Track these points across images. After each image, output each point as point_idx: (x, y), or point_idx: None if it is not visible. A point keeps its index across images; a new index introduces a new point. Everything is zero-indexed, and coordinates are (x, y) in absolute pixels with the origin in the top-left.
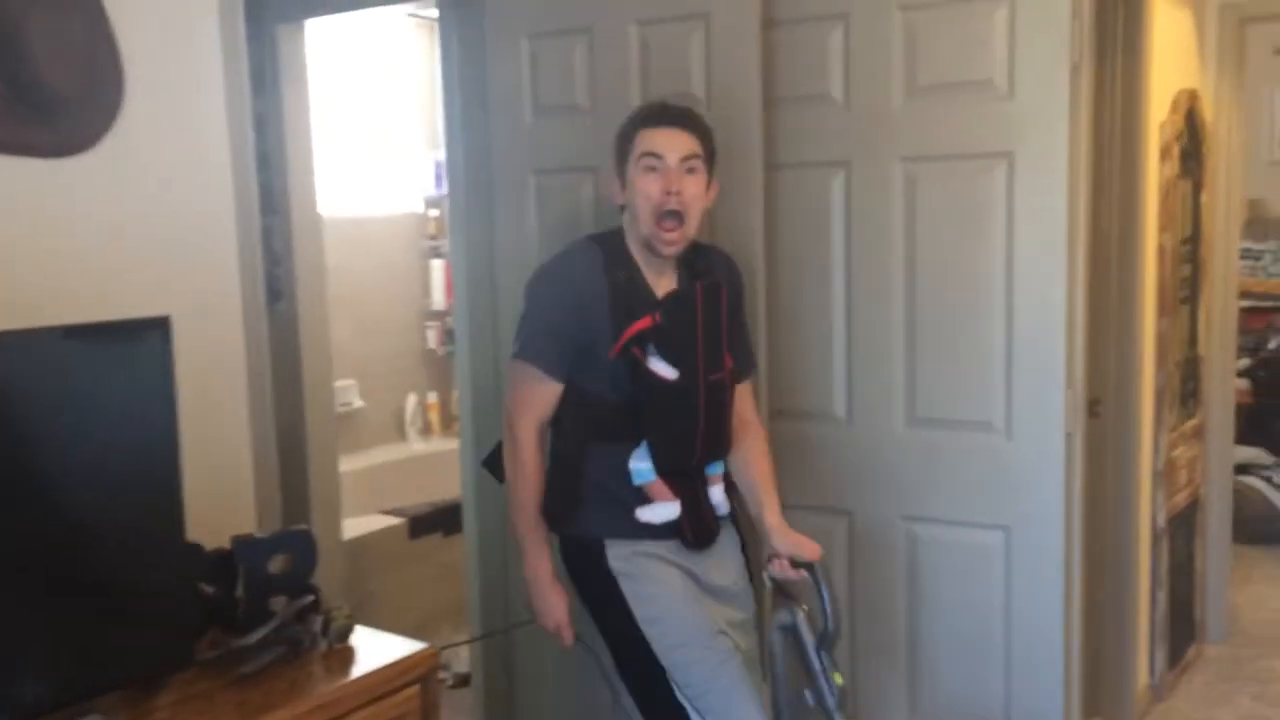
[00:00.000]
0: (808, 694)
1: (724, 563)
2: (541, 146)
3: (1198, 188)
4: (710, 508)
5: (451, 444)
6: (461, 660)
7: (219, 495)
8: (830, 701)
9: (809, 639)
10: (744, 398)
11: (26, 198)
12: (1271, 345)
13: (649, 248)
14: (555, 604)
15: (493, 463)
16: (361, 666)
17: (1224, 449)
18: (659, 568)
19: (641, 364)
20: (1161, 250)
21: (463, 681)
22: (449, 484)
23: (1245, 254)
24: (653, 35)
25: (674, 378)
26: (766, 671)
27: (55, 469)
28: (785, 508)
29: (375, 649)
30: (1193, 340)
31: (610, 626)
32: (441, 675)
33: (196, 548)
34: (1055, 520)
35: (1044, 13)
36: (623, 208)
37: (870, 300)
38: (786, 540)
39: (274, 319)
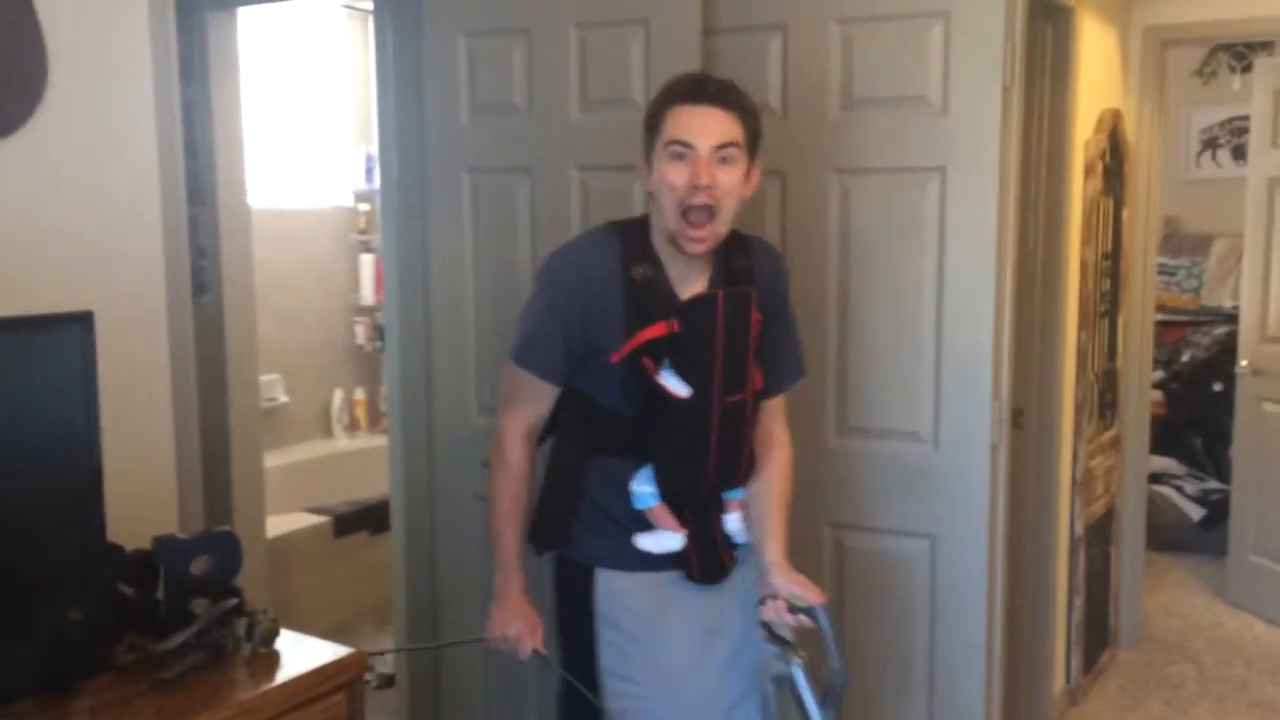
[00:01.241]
0: None
1: (740, 602)
2: (477, 145)
3: (1119, 204)
4: (724, 538)
5: (379, 441)
6: (386, 662)
7: (140, 494)
8: None
9: (809, 693)
10: (775, 414)
11: None
12: (1184, 359)
13: (674, 244)
14: (516, 624)
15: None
16: (286, 671)
17: (1140, 459)
18: (665, 631)
19: (650, 377)
20: (1084, 265)
21: (388, 682)
22: (376, 481)
23: (1161, 269)
24: (592, 38)
25: (686, 396)
26: None
27: None
28: None
29: (301, 653)
30: (1111, 353)
31: (573, 661)
32: (366, 677)
33: (117, 548)
34: (979, 529)
35: (978, 31)
36: (650, 194)
37: (802, 308)
38: (785, 580)
39: (199, 312)
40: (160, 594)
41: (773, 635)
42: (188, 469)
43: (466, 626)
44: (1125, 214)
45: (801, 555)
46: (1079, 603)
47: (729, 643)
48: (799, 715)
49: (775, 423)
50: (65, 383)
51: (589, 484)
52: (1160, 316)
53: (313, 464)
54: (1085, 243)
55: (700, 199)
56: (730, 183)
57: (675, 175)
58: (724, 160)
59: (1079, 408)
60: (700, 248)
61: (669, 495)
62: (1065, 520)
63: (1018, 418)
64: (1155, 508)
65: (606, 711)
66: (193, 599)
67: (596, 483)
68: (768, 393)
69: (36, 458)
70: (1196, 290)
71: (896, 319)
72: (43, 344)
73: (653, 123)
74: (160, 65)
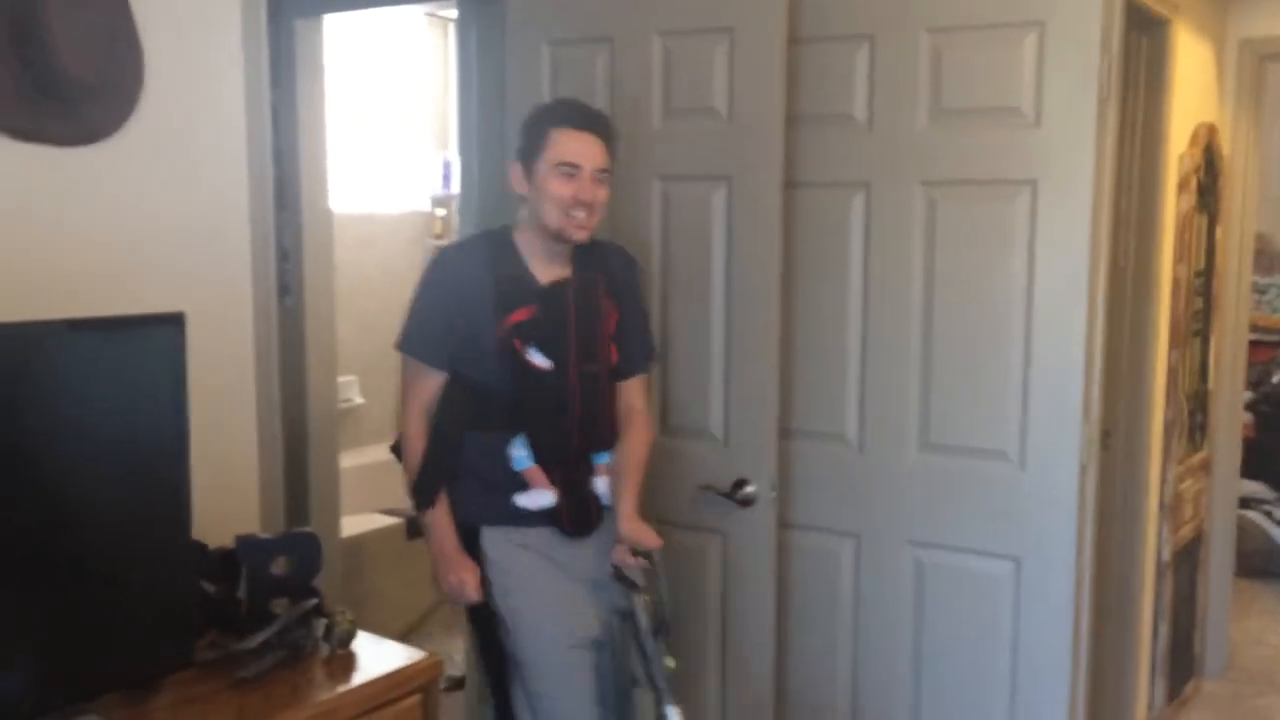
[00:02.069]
0: (639, 673)
1: (604, 551)
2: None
3: (1213, 221)
4: (593, 497)
5: None
6: (455, 664)
7: (223, 493)
8: (660, 683)
9: (644, 624)
10: (634, 390)
11: (42, 186)
12: (1275, 379)
13: (558, 237)
14: (460, 573)
15: (399, 450)
16: (363, 674)
17: (1229, 483)
18: (533, 563)
19: (520, 354)
20: (1176, 283)
21: (456, 685)
22: None
23: (1251, 288)
24: (676, 46)
25: (548, 367)
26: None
27: (60, 463)
28: (792, 527)
29: (377, 656)
30: (1203, 373)
31: (474, 609)
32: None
33: (200, 546)
34: (1066, 552)
35: (1073, 41)
36: (523, 198)
37: (886, 323)
38: (630, 528)
39: (281, 314)
40: (241, 593)
41: (620, 576)
42: (269, 468)
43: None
44: (1219, 231)
45: (879, 571)
46: (1164, 630)
47: (592, 583)
48: (636, 642)
49: (636, 398)
50: (156, 382)
51: (472, 454)
52: (1251, 336)
53: (387, 466)
54: (1178, 260)
55: (582, 211)
56: (604, 197)
57: (563, 190)
58: (599, 180)
59: (1168, 429)
60: (584, 235)
61: (541, 458)
62: (1152, 544)
63: (1106, 438)
64: (1244, 533)
65: (513, 651)
66: (273, 599)
67: (479, 453)
68: (623, 371)
69: (126, 455)
70: None
71: (983, 335)
72: (135, 344)
73: (535, 140)
74: (252, 72)
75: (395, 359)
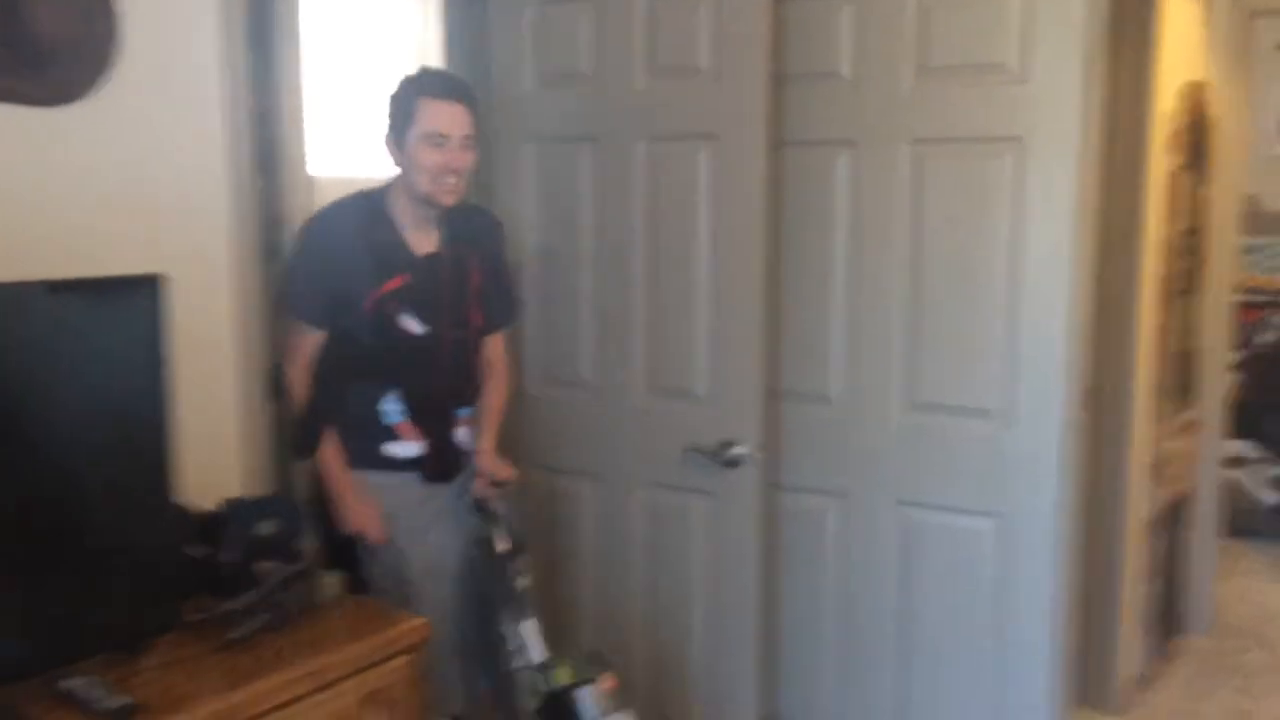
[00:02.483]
0: (499, 593)
1: (462, 492)
2: (542, 114)
3: (1200, 180)
4: (454, 446)
5: None
6: None
7: (206, 456)
8: (518, 599)
9: (501, 547)
10: (496, 344)
11: (15, 147)
12: (1264, 340)
13: (428, 202)
14: (362, 511)
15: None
16: (351, 635)
17: (1215, 443)
18: (393, 503)
19: (393, 319)
20: (1163, 242)
21: None
22: None
23: (1240, 248)
24: (661, 4)
25: (422, 333)
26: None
27: (41, 426)
28: (780, 487)
29: (365, 618)
30: (1189, 333)
31: (336, 542)
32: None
33: (184, 509)
34: (1050, 510)
35: None
36: (399, 165)
37: (873, 282)
38: (489, 463)
39: (268, 279)
40: (226, 555)
41: (480, 507)
42: (252, 432)
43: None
44: (1206, 190)
45: (866, 530)
46: (1150, 588)
47: (452, 518)
48: (495, 570)
49: (497, 351)
50: (134, 344)
51: (349, 405)
52: (1239, 297)
53: None
54: (1165, 219)
55: (452, 177)
56: (470, 162)
57: (432, 159)
58: (466, 147)
59: (1155, 388)
60: (454, 199)
61: (411, 412)
62: (1137, 503)
63: (1092, 397)
64: (1231, 493)
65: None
66: (259, 561)
67: (354, 404)
68: (486, 329)
69: (106, 418)
70: (1277, 270)
71: (969, 293)
72: (112, 306)
73: (404, 111)
74: (229, 32)
75: None
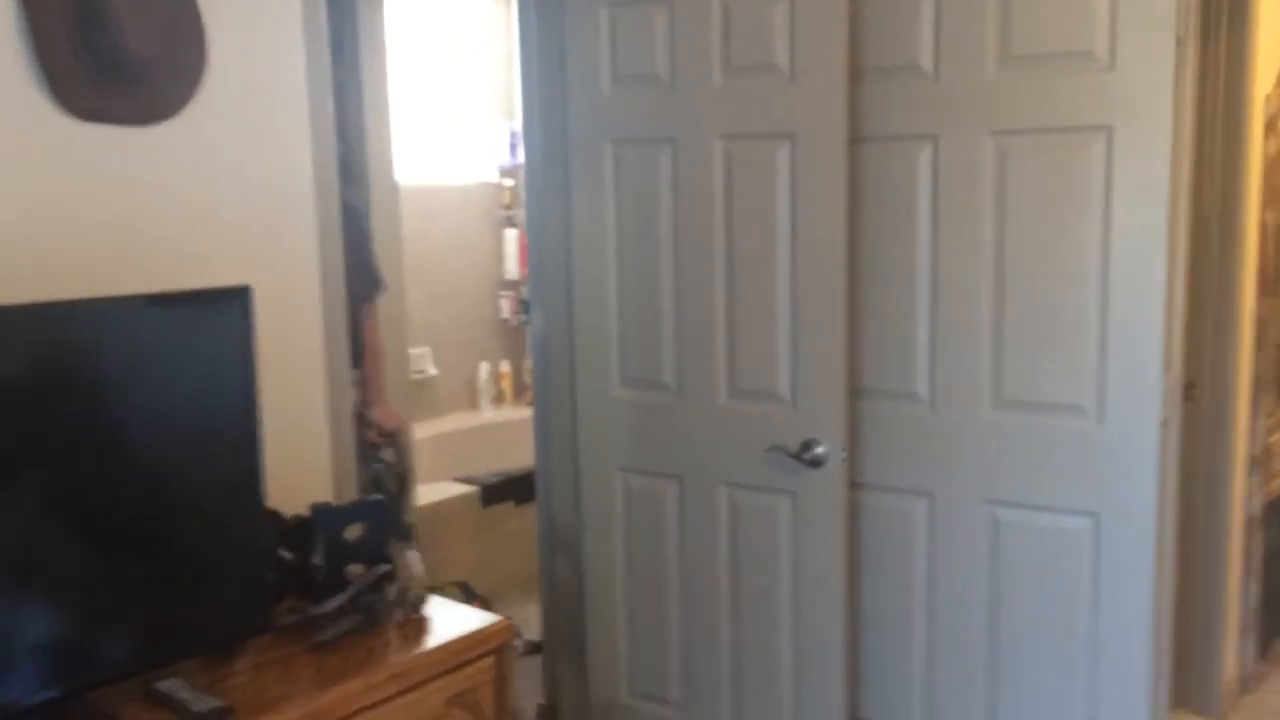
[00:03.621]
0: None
1: None
2: (619, 116)
3: None
4: None
5: (524, 413)
6: (532, 628)
7: (297, 463)
8: (404, 532)
9: (390, 488)
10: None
11: (110, 166)
12: None
13: None
14: None
15: None
16: (436, 637)
17: None
18: None
19: None
20: (1264, 228)
21: (534, 649)
22: (521, 453)
23: None
24: (735, 3)
25: None
26: None
27: (138, 435)
28: (864, 486)
29: (450, 620)
30: None
31: None
32: (514, 643)
33: (275, 515)
34: (1147, 508)
35: None
36: None
37: (956, 277)
38: (377, 412)
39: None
40: (317, 559)
41: (369, 449)
42: (341, 439)
43: (610, 596)
44: None
45: (954, 530)
46: (1255, 587)
47: None
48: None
49: None
50: (225, 355)
51: None
52: None
53: (460, 435)
54: (1265, 205)
55: None
56: None
57: None
58: None
59: (1257, 381)
60: None
61: None
62: (1240, 499)
63: (1190, 391)
64: None
65: None
66: (348, 565)
67: None
68: None
69: (198, 427)
70: None
71: (1058, 287)
72: (203, 318)
73: None
74: (313, 48)
75: (469, 330)
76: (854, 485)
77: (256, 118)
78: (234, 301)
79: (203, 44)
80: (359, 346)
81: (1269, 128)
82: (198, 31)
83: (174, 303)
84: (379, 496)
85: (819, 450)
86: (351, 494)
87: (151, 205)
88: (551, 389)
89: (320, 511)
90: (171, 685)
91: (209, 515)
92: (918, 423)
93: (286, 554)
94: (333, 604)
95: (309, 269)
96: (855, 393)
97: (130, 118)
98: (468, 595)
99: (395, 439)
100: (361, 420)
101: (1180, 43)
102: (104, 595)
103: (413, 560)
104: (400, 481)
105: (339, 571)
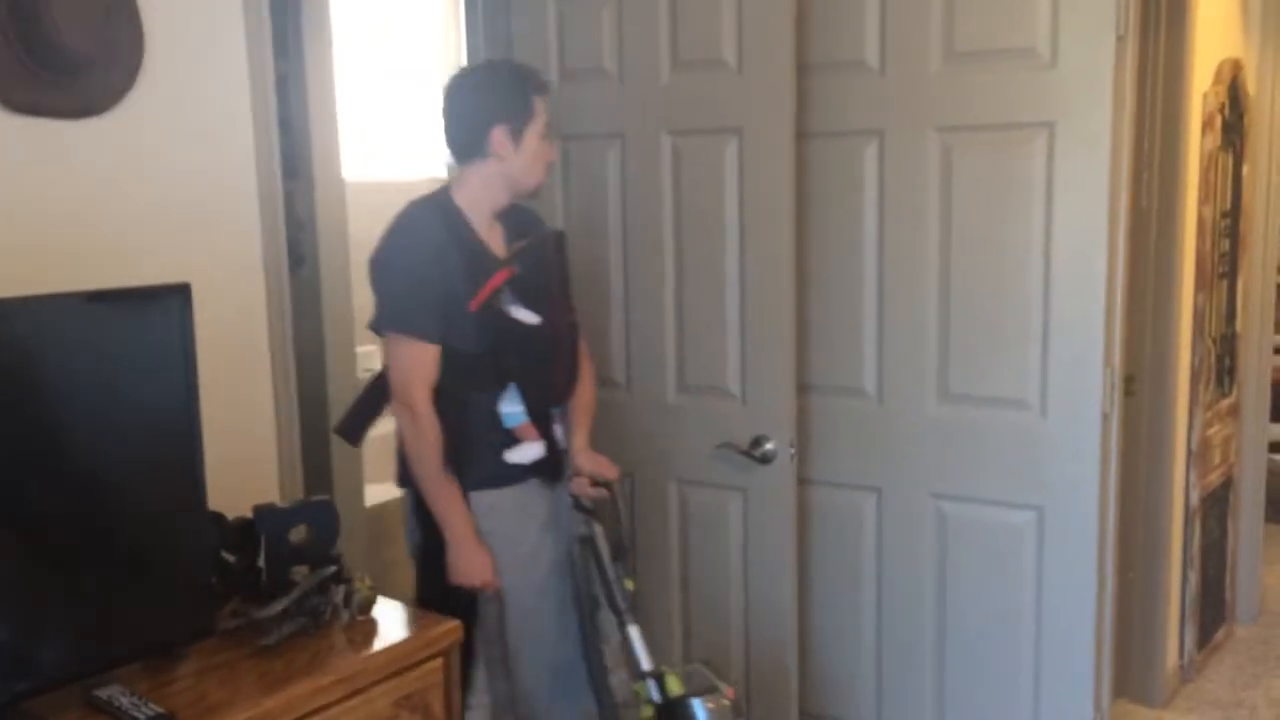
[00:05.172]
0: (601, 596)
1: (563, 491)
2: (567, 111)
3: (1239, 160)
4: (558, 444)
5: None
6: None
7: (241, 464)
8: (621, 604)
9: (605, 549)
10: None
11: (45, 160)
12: None
13: (534, 194)
14: (481, 562)
15: (349, 429)
16: (383, 639)
17: (1259, 427)
18: (512, 520)
19: (504, 314)
20: (1201, 224)
21: None
22: None
23: None
24: None
25: (537, 322)
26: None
27: (75, 436)
28: (813, 482)
29: (398, 621)
30: (1230, 316)
31: (437, 579)
32: None
33: (218, 517)
34: (1089, 500)
35: None
36: (498, 160)
37: (903, 273)
38: (589, 461)
39: (296, 284)
40: (261, 562)
41: (580, 505)
42: (287, 439)
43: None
44: (1245, 170)
45: (902, 525)
46: (1194, 576)
47: (557, 528)
48: (597, 568)
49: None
50: (165, 354)
51: (468, 419)
52: None
53: None
54: (1203, 201)
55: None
56: None
57: (551, 151)
58: None
59: (1195, 374)
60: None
61: (530, 411)
62: (1180, 491)
63: (1130, 384)
64: (1276, 477)
65: (481, 614)
66: (293, 567)
67: (472, 416)
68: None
69: (138, 427)
70: None
71: (1001, 282)
72: (142, 316)
73: (523, 106)
74: (253, 38)
75: None
76: (803, 481)
77: (196, 111)
78: (174, 298)
79: (140, 37)
80: (579, 369)
81: (1207, 124)
82: (135, 24)
83: (113, 300)
84: (598, 555)
85: (769, 446)
86: (298, 493)
87: (89, 200)
88: None
89: (263, 513)
90: (111, 692)
91: (149, 517)
92: (866, 418)
93: (229, 556)
94: (277, 607)
95: (252, 264)
96: (804, 389)
97: (65, 111)
98: (700, 680)
99: (612, 490)
100: (560, 460)
101: (1120, 41)
102: (40, 599)
103: (634, 638)
104: (619, 546)
105: (284, 574)
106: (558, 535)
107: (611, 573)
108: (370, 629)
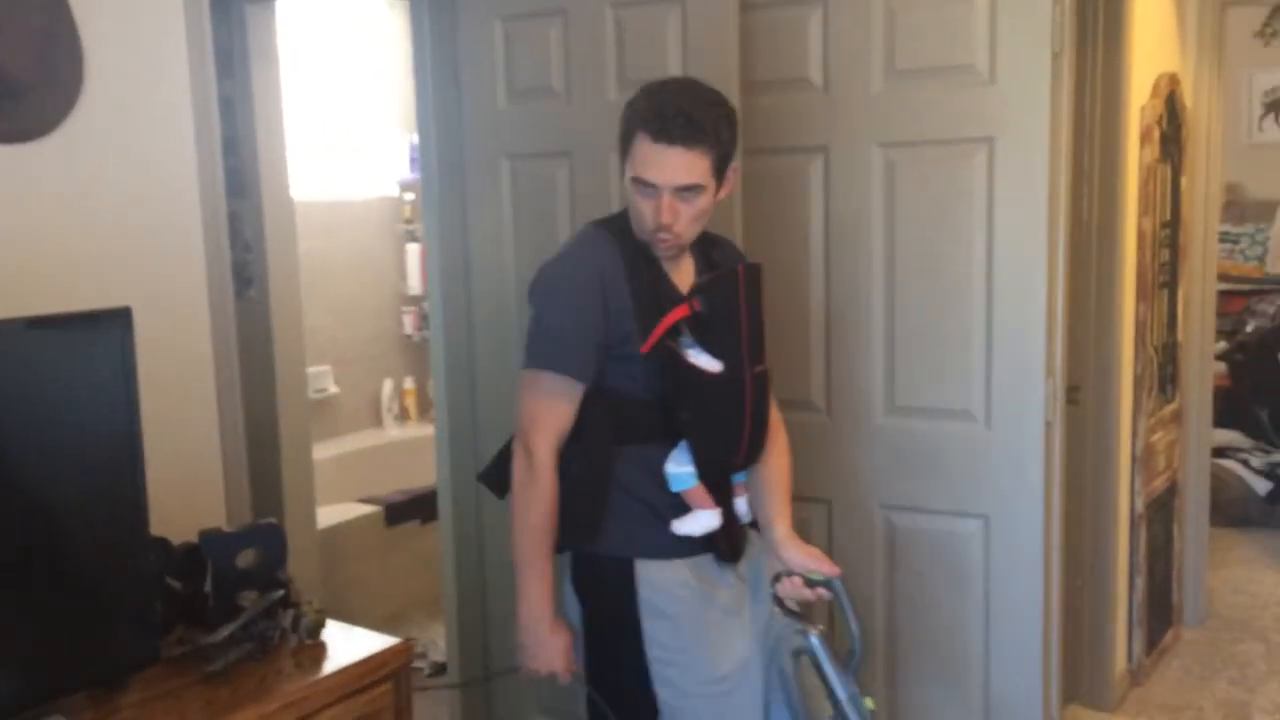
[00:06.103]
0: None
1: (745, 576)
2: (515, 130)
3: (1177, 172)
4: (738, 518)
5: (429, 430)
6: (439, 649)
7: (187, 489)
8: None
9: (830, 662)
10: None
11: None
12: (1249, 329)
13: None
14: (556, 647)
15: (492, 477)
16: (333, 663)
17: (1202, 433)
18: (690, 601)
19: (680, 357)
20: (1141, 235)
21: (440, 670)
22: (427, 470)
23: (1223, 237)
24: (628, 18)
25: (718, 370)
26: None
27: (16, 461)
28: None
29: (347, 644)
30: (1171, 325)
31: (609, 656)
32: (419, 665)
33: (163, 542)
34: (1035, 508)
35: None
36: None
37: (848, 287)
38: (799, 555)
39: (245, 306)
40: (207, 587)
41: (786, 610)
42: (234, 462)
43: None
44: (1184, 181)
45: (852, 536)
46: (1141, 581)
47: (748, 619)
48: (822, 685)
49: (775, 404)
50: (106, 379)
51: (621, 474)
52: (1223, 286)
53: (364, 454)
54: (1142, 212)
55: (665, 232)
56: (692, 213)
57: (643, 206)
58: (683, 199)
59: (1138, 382)
60: (670, 253)
61: (705, 474)
62: (1125, 497)
63: (1074, 394)
64: (1220, 482)
65: (659, 706)
66: (240, 591)
67: (629, 472)
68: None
69: (79, 454)
70: (1261, 258)
71: (945, 295)
72: (83, 341)
73: (626, 139)
74: (196, 59)
75: (371, 347)
76: None
77: (138, 133)
78: (114, 322)
79: (79, 58)
80: (767, 429)
81: (1145, 137)
82: (74, 46)
83: (53, 325)
84: (823, 673)
85: None
86: (247, 517)
87: (27, 224)
88: (454, 405)
89: (209, 538)
90: None
91: (92, 544)
92: (815, 431)
93: (175, 583)
94: (223, 633)
95: (196, 285)
96: None
97: (3, 135)
98: None
99: (834, 590)
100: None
101: (1056, 57)
102: None
103: None
104: (850, 653)
105: (231, 599)
106: (737, 621)
107: (843, 691)
108: (319, 653)
